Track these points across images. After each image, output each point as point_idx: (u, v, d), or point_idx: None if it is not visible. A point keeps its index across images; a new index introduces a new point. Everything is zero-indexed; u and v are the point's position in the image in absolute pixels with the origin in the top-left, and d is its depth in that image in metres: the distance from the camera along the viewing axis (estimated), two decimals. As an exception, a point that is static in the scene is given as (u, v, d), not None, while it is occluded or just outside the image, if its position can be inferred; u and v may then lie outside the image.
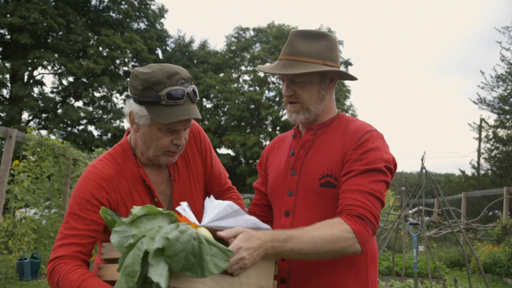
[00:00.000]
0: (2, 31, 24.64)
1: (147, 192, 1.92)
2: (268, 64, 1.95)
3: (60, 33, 25.26)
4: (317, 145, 1.88)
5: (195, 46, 33.79)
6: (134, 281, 1.42)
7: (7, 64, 24.06)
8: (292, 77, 1.85)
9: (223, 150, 30.18)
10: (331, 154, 1.83)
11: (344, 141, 1.82)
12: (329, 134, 1.88)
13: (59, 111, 26.45)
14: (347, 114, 2.00)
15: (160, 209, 1.55)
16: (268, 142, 31.98)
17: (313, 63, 1.82)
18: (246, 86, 31.49)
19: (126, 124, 27.60)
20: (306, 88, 1.85)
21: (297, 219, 1.83)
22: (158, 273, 1.39)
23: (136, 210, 1.51)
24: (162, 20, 30.63)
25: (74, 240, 1.78)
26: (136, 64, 28.84)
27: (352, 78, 1.95)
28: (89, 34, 26.00)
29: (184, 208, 1.66)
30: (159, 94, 1.75)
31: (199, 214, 1.90)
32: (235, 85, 30.86)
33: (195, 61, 32.88)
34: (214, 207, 1.64)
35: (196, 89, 1.85)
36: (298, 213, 1.84)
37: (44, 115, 26.54)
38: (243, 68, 32.60)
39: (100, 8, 27.63)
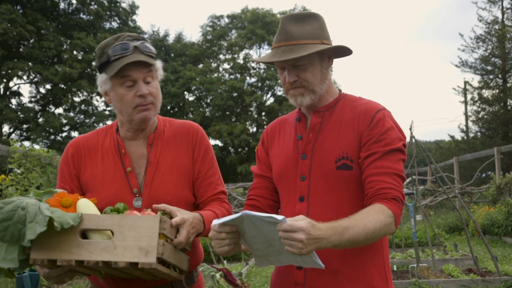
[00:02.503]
0: (-28, 45, 24.16)
1: (119, 163, 1.97)
2: (263, 55, 1.97)
3: (31, 41, 24.83)
4: (327, 127, 1.87)
5: (171, 39, 33.50)
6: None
7: (-19, 78, 23.64)
8: (294, 62, 1.82)
9: (211, 142, 30.07)
10: (344, 136, 1.82)
11: (356, 122, 1.83)
12: (337, 116, 1.88)
13: (40, 120, 26.11)
14: (348, 93, 1.97)
15: (42, 191, 1.67)
16: (255, 129, 31.51)
17: (311, 44, 1.82)
18: (227, 75, 31.33)
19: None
20: (308, 70, 1.83)
21: (312, 203, 1.81)
22: None
23: (30, 193, 1.66)
24: (134, 17, 30.25)
25: None
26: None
27: (348, 52, 1.93)
28: (62, 39, 25.58)
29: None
30: (108, 53, 1.88)
31: (178, 202, 1.88)
32: (216, 74, 30.68)
33: (172, 54, 32.58)
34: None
35: (147, 44, 1.93)
36: (313, 198, 1.82)
37: (25, 126, 26.18)
38: (221, 56, 32.42)
39: (70, 11, 27.18)
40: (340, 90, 1.97)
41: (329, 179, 1.80)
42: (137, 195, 1.93)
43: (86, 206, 1.65)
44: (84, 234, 1.60)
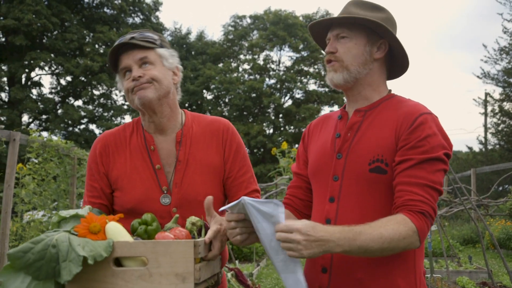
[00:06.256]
0: (-3, 34, 24.51)
1: (147, 160, 1.93)
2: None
3: (55, 32, 25.09)
4: (366, 127, 1.77)
5: (192, 37, 33.61)
6: None
7: (3, 67, 23.91)
8: (339, 31, 1.78)
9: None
10: (382, 137, 1.71)
11: (396, 124, 1.71)
12: (378, 115, 1.77)
13: (59, 111, 26.35)
14: (398, 95, 1.85)
15: (67, 213, 1.60)
16: (271, 131, 31.41)
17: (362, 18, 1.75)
18: (246, 75, 31.34)
19: (127, 121, 27.43)
20: (348, 46, 1.77)
21: (342, 205, 1.73)
22: (15, 286, 1.44)
23: (53, 218, 1.62)
24: (157, 13, 30.40)
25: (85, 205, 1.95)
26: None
27: (403, 60, 1.82)
28: (85, 32, 25.81)
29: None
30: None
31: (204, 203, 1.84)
32: (235, 74, 30.71)
33: (193, 52, 32.70)
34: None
35: (147, 33, 1.89)
36: (343, 199, 1.73)
37: (44, 117, 26.45)
38: (242, 57, 32.43)
39: (94, 4, 27.41)
40: (390, 91, 1.86)
41: (361, 181, 1.70)
42: (166, 193, 1.89)
43: (115, 230, 1.61)
44: (118, 259, 1.57)
